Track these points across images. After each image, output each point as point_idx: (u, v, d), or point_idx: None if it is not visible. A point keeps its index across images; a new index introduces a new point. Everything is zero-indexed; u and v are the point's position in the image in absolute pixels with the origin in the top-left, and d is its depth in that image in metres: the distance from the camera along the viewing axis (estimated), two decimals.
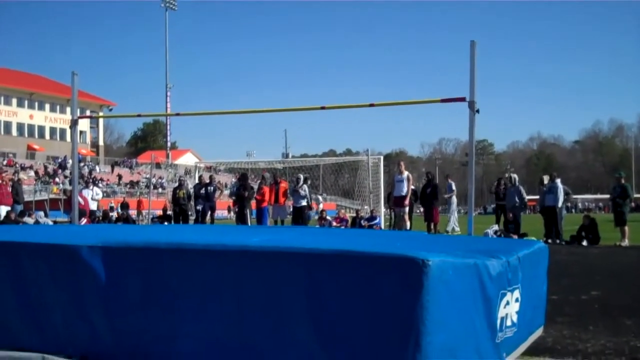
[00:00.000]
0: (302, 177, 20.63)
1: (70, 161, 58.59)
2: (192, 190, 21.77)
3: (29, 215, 20.48)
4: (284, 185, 20.34)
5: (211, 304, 3.51)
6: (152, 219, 26.07)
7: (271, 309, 3.36)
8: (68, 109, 75.42)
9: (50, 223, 19.17)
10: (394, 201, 18.28)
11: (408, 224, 17.94)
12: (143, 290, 3.69)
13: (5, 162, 61.71)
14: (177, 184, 22.58)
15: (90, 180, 38.54)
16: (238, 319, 3.44)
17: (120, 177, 66.97)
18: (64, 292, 3.90)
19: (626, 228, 16.06)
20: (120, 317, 3.71)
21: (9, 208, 19.34)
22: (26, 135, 77.81)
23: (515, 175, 18.96)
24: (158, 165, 71.44)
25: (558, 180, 17.50)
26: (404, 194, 17.67)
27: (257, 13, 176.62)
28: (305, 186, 19.98)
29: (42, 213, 22.10)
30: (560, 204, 17.09)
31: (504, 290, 3.64)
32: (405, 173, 17.87)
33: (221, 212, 33.57)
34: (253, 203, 20.14)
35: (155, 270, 3.68)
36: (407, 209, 17.82)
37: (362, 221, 21.10)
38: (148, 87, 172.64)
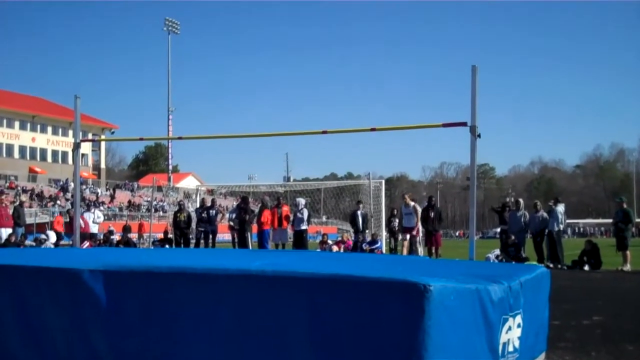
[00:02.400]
0: (302, 201, 20.64)
1: (72, 184, 58.63)
2: (193, 214, 21.73)
3: (35, 240, 20.48)
4: (285, 209, 20.34)
5: (212, 327, 3.51)
6: (153, 243, 26.04)
7: (272, 333, 3.35)
8: (70, 132, 75.56)
9: (52, 246, 19.16)
10: (403, 230, 19.01)
11: (420, 249, 18.21)
12: (144, 314, 3.68)
13: (7, 185, 61.77)
14: (177, 208, 22.58)
15: (92, 203, 38.59)
16: (239, 343, 3.43)
17: (112, 197, 67.05)
18: (65, 316, 3.89)
19: (628, 253, 16.01)
20: (120, 340, 3.70)
21: (9, 231, 19.31)
22: (28, 158, 77.91)
23: (521, 200, 19.08)
24: (159, 189, 71.44)
25: (560, 205, 17.47)
26: (412, 225, 18.36)
27: (259, 37, 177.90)
28: (305, 210, 19.99)
29: (44, 236, 22.09)
30: (556, 228, 17.03)
31: (505, 315, 3.64)
32: (412, 204, 18.53)
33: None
34: (254, 226, 20.12)
35: (156, 294, 3.68)
36: (417, 238, 18.54)
37: (363, 245, 21.02)
38: (150, 110, 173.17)
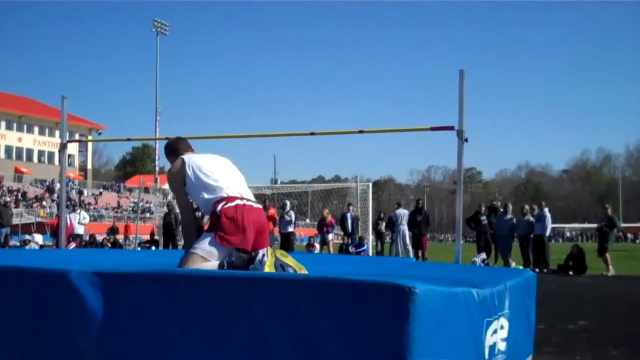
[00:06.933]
0: (288, 203, 20.67)
1: (58, 185, 58.31)
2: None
3: (20, 241, 20.33)
4: (272, 211, 20.33)
5: (197, 330, 3.48)
6: (139, 244, 25.95)
7: (257, 335, 3.33)
8: (57, 132, 75.11)
9: (37, 247, 19.03)
10: None
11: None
12: (132, 316, 3.65)
13: None
14: (166, 210, 22.50)
15: (77, 204, 38.39)
16: (225, 347, 3.41)
17: (94, 196, 66.63)
18: (50, 318, 3.85)
19: (607, 255, 16.14)
20: (108, 343, 3.67)
21: None
22: (14, 158, 77.52)
23: (509, 204, 19.09)
24: (146, 190, 71.14)
25: (546, 209, 17.59)
26: None
27: (247, 40, 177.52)
28: (291, 212, 20.01)
29: (28, 237, 21.93)
30: (548, 232, 17.23)
31: (490, 318, 3.65)
32: None
33: None
34: None
35: (144, 296, 3.65)
36: None
37: (350, 248, 21.04)
38: (138, 111, 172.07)
